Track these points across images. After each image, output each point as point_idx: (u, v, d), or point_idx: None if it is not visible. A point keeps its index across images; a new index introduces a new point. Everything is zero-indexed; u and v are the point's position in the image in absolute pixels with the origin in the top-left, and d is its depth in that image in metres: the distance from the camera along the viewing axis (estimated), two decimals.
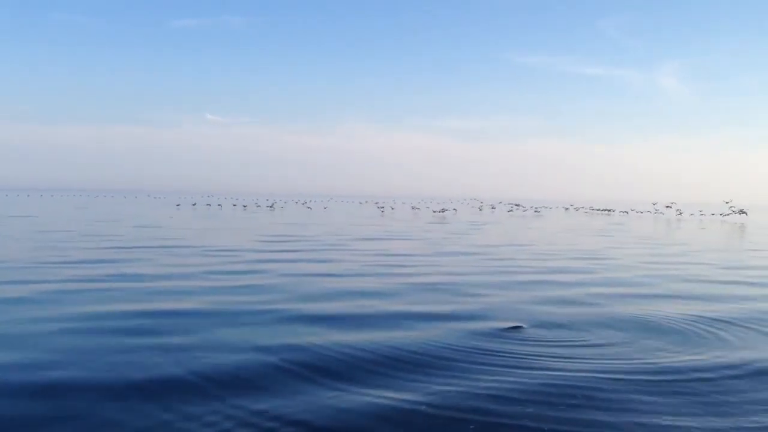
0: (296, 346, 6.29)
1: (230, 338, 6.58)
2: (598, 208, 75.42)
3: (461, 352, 6.18)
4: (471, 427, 4.34)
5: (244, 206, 65.64)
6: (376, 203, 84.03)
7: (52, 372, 5.32)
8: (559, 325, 7.46)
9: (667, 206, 62.69)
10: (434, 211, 56.46)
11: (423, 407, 4.67)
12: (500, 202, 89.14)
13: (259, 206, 65.85)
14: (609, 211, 65.95)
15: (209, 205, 69.38)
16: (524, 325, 7.36)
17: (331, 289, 9.99)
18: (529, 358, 5.96)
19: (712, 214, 55.76)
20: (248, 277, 11.15)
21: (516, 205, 76.34)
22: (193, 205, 66.92)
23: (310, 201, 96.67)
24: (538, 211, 64.42)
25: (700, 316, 8.10)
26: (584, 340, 6.77)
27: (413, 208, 69.96)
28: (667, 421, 4.48)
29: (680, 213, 59.29)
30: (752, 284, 11.64)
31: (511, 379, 5.33)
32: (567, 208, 78.26)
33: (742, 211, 50.02)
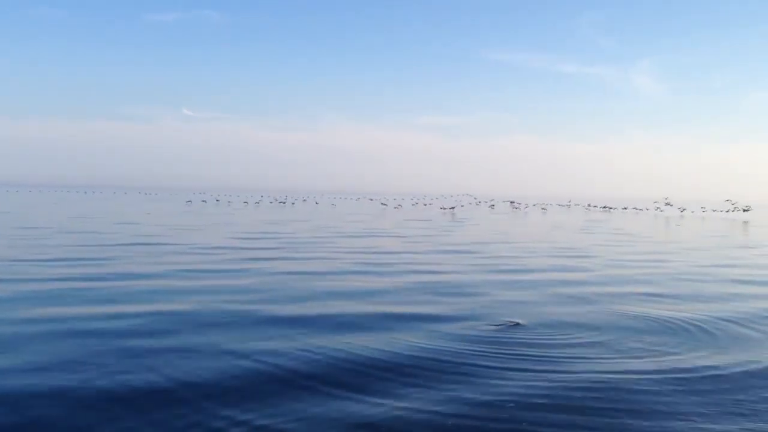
0: (276, 350, 5.93)
1: (207, 342, 6.19)
2: (598, 205, 76.08)
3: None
4: None
5: (257, 203, 66.36)
6: (371, 199, 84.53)
7: (11, 380, 4.89)
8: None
9: (667, 204, 63.69)
10: (442, 208, 56.48)
11: (423, 415, 4.36)
12: (492, 200, 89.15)
13: (271, 203, 66.59)
14: (610, 208, 66.12)
15: (218, 200, 71.59)
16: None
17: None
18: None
19: (714, 211, 56.22)
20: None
21: (512, 202, 76.52)
22: (203, 201, 67.19)
23: (310, 197, 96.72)
24: (545, 209, 64.15)
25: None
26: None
27: (414, 204, 70.47)
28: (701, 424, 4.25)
29: (683, 210, 60.04)
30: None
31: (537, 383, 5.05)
32: (567, 205, 78.63)
33: (745, 209, 50.44)
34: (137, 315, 7.31)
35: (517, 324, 7.15)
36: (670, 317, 7.76)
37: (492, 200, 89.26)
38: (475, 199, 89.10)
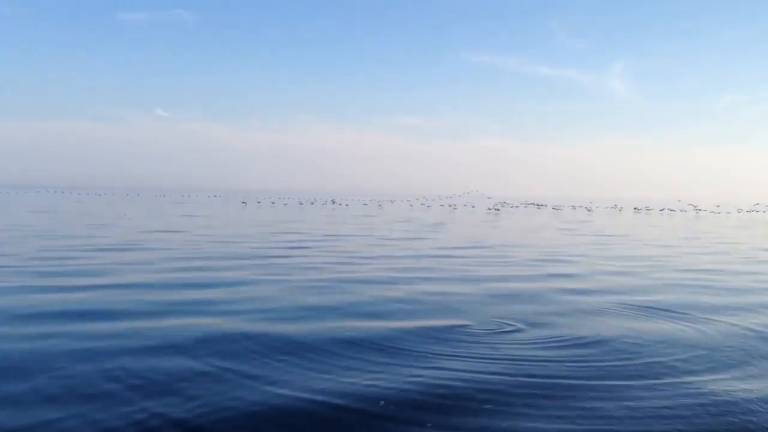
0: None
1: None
2: (641, 206, 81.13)
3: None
4: None
5: (312, 203, 73.58)
6: (418, 202, 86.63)
7: None
8: None
9: (690, 204, 68.82)
10: (488, 209, 62.06)
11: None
12: (505, 201, 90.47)
13: (325, 204, 72.85)
14: (649, 210, 71.46)
15: (273, 203, 74.12)
16: None
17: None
18: None
19: (739, 211, 60.46)
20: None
21: (534, 204, 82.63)
22: (258, 203, 71.48)
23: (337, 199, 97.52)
24: (590, 210, 68.92)
25: None
26: None
27: (463, 205, 74.20)
28: None
29: (698, 211, 65.66)
30: None
31: None
32: (615, 207, 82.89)
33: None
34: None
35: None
36: None
37: (503, 201, 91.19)
38: (488, 198, 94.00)
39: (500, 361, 5.94)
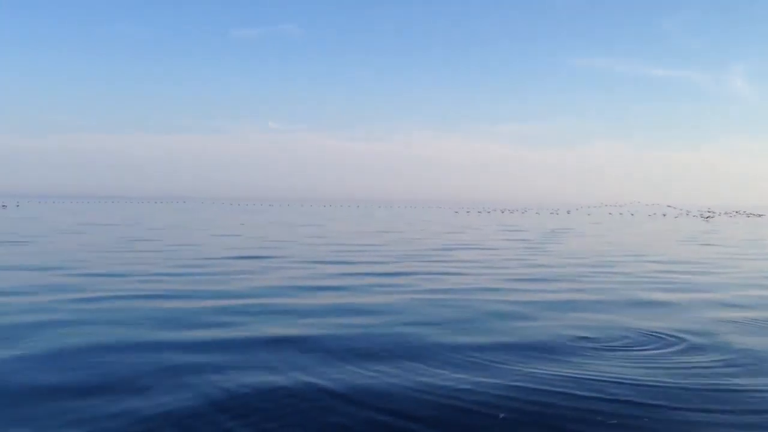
0: None
1: None
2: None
3: None
4: None
5: (478, 211, 78.29)
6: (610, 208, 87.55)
7: None
8: None
9: None
10: (701, 216, 62.59)
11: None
12: (710, 210, 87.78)
13: (489, 212, 75.63)
14: None
15: (469, 211, 77.91)
16: None
17: None
18: None
19: None
20: None
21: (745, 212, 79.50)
22: (468, 212, 76.77)
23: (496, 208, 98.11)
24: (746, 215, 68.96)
25: None
26: None
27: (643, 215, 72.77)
28: None
29: None
30: None
31: None
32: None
33: None
34: None
35: None
36: None
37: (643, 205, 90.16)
38: (646, 205, 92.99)
39: None
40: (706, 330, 6.97)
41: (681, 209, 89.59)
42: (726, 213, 78.37)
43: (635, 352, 5.95)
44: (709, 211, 78.28)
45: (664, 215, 69.42)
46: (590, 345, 6.23)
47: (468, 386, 4.81)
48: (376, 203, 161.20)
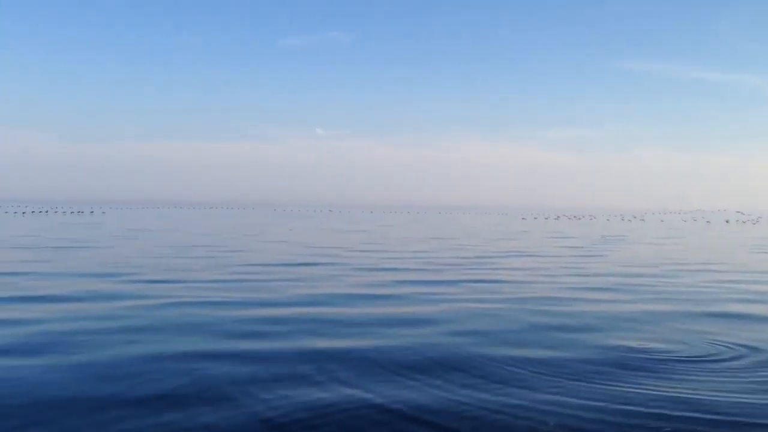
0: None
1: None
2: None
3: None
4: None
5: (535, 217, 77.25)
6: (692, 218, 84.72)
7: None
8: None
9: None
10: None
11: None
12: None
13: (558, 218, 74.76)
14: None
15: (536, 218, 77.03)
16: None
17: None
18: None
19: None
20: None
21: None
22: (522, 219, 74.46)
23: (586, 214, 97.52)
24: None
25: None
26: None
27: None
28: None
29: None
30: None
31: None
32: None
33: None
34: None
35: None
36: None
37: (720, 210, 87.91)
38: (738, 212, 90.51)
39: None
40: None
41: (750, 215, 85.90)
42: None
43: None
44: None
45: (744, 222, 66.29)
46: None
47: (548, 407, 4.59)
48: (425, 209, 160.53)
